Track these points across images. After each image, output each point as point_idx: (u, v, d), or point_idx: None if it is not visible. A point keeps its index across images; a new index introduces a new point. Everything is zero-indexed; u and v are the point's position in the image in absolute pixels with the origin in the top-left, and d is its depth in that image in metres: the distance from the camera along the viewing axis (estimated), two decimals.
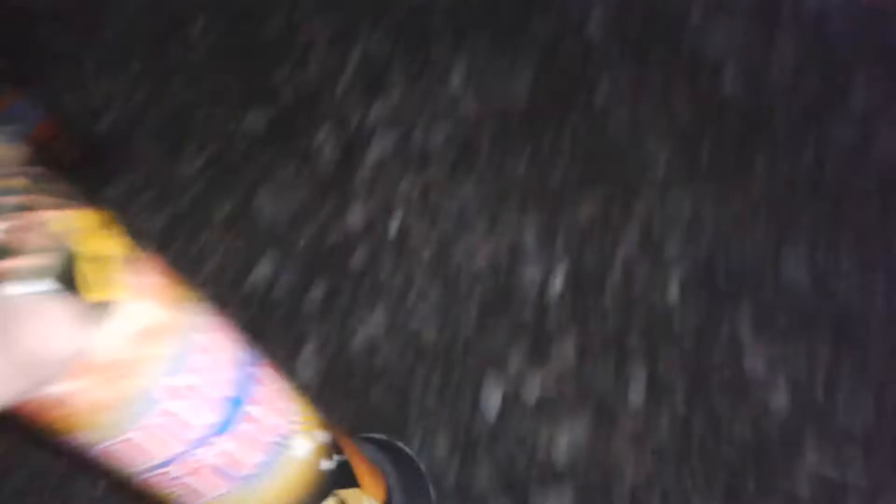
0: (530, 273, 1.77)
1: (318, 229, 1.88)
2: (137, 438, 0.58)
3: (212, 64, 2.20)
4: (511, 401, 1.57)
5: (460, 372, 1.63)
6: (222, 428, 0.59)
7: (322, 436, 0.80)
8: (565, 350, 1.62)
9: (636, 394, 1.54)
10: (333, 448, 0.82)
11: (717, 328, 1.57)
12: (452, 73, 2.03)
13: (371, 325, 1.77)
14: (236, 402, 0.58)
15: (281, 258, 1.86)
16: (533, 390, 1.58)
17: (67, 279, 0.54)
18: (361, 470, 0.92)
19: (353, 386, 1.65)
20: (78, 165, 1.94)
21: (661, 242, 1.71)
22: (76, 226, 0.60)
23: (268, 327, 1.75)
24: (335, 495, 0.79)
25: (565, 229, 1.77)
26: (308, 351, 1.75)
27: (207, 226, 1.91)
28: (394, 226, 1.88)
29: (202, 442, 0.58)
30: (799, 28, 1.91)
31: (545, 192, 1.82)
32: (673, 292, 1.68)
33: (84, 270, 0.57)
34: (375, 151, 1.95)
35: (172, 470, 0.60)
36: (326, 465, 0.77)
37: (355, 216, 1.88)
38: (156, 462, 0.59)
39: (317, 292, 1.82)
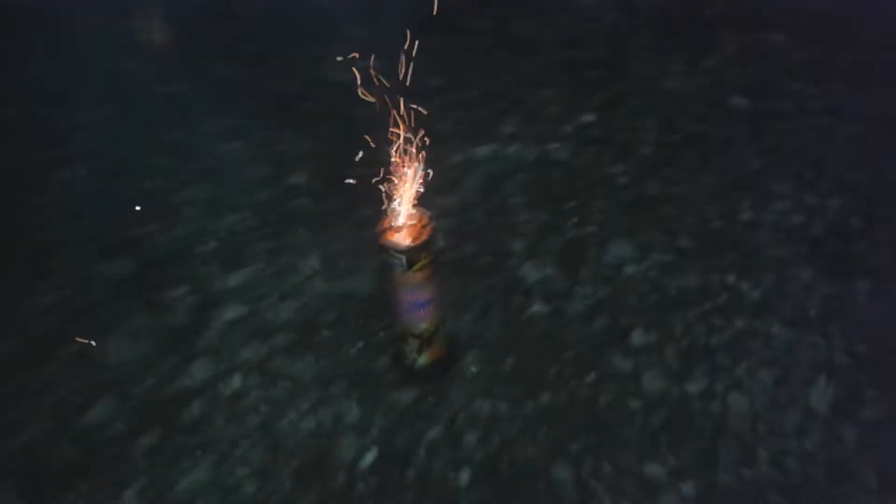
0: (347, 444, 1.97)
1: (159, 380, 2.08)
2: None
3: (86, 208, 2.47)
4: None
5: None
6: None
7: None
8: None
9: None
10: None
11: None
12: (309, 258, 2.33)
13: (193, 476, 1.93)
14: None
15: (119, 402, 2.04)
16: None
17: None
18: None
19: None
20: None
21: (461, 434, 1.94)
22: None
23: (95, 464, 1.90)
24: None
25: (384, 411, 2.00)
26: (130, 493, 1.89)
27: (55, 359, 2.10)
28: (232, 386, 2.08)
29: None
30: (597, 275, 2.27)
31: (371, 375, 2.07)
32: (464, 477, 1.89)
33: None
34: (226, 316, 2.20)
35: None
36: None
37: (197, 373, 2.09)
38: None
39: (148, 439, 1.99)
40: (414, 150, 1.71)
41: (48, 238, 2.31)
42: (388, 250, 1.78)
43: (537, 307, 2.19)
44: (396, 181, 1.73)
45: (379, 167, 1.75)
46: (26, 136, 2.58)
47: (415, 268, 1.80)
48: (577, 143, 2.62)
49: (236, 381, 2.06)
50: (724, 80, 2.75)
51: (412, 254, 1.77)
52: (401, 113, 1.71)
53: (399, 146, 1.70)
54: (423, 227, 1.79)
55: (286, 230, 2.33)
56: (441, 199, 2.39)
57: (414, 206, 1.78)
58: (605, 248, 2.31)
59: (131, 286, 2.23)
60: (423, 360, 2.04)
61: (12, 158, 2.51)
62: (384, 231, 1.80)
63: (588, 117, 2.70)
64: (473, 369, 2.04)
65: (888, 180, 2.46)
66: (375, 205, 1.77)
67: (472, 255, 2.29)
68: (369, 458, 1.91)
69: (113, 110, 2.73)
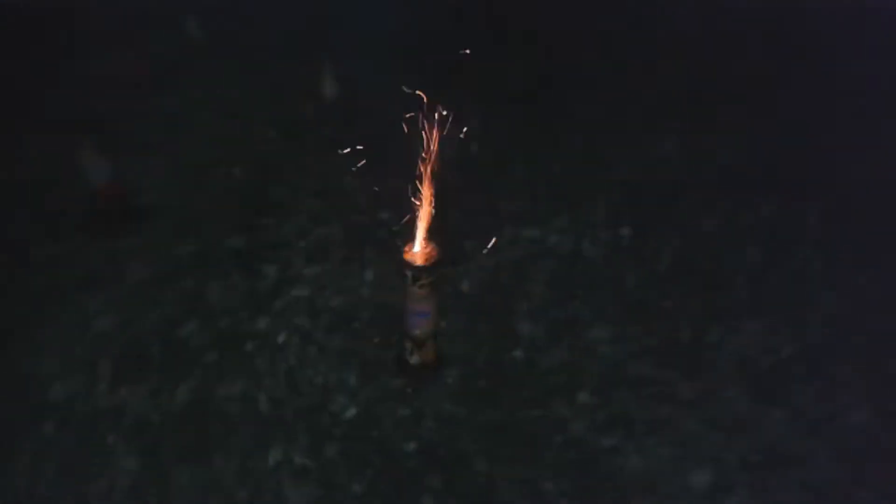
0: (339, 400, 2.74)
1: (233, 321, 2.95)
2: None
3: (229, 199, 3.48)
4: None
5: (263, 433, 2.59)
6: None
7: None
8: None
9: None
10: None
11: None
12: (367, 270, 3.16)
13: (230, 391, 2.77)
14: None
15: (201, 327, 2.93)
16: None
17: None
18: None
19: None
20: (119, 214, 3.23)
21: (421, 419, 2.68)
22: None
23: (168, 363, 2.80)
24: None
25: (374, 387, 2.79)
26: (184, 387, 2.75)
27: (173, 291, 3.04)
28: (278, 340, 2.93)
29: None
30: (575, 346, 2.94)
31: (375, 361, 2.85)
32: (412, 447, 2.60)
33: None
34: (293, 293, 3.06)
35: None
36: None
37: (261, 323, 2.95)
38: None
39: (209, 356, 2.86)
40: (427, 201, 2.47)
41: (197, 216, 3.31)
42: (404, 267, 2.55)
43: (518, 353, 2.87)
44: (418, 222, 2.50)
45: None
46: (207, 141, 3.64)
47: (417, 283, 2.56)
48: (607, 247, 3.31)
49: (282, 338, 2.88)
50: (746, 235, 3.36)
51: (416, 272, 2.53)
52: (430, 175, 2.48)
53: (420, 198, 2.47)
54: (431, 255, 2.55)
55: (359, 248, 3.18)
56: (481, 258, 3.16)
57: (427, 240, 2.53)
58: (590, 328, 2.95)
59: (241, 257, 3.16)
60: (415, 359, 2.76)
61: (186, 156, 3.58)
62: (405, 253, 2.57)
63: (625, 230, 3.39)
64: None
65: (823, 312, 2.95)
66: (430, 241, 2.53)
67: (483, 302, 3.02)
68: (349, 414, 2.65)
69: (277, 134, 3.77)
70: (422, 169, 2.41)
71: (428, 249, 2.51)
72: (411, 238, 2.50)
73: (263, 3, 5.49)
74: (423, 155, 2.42)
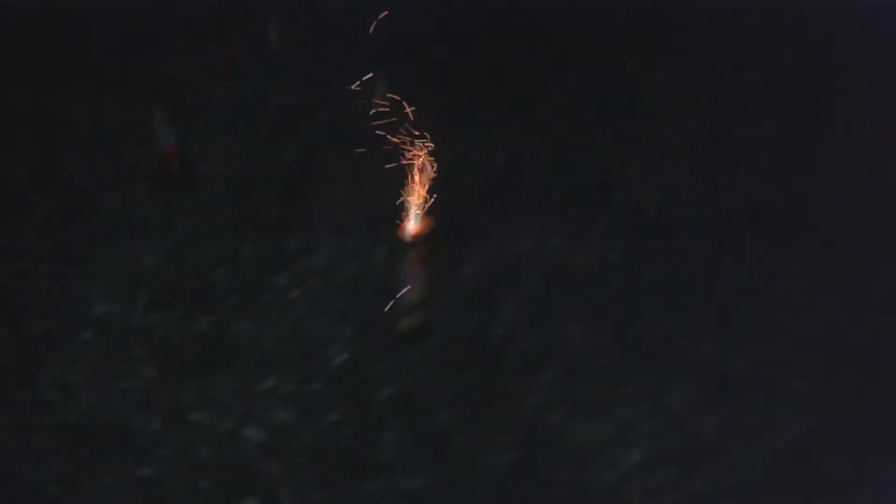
0: (335, 347, 3.18)
1: (258, 275, 3.45)
2: None
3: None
4: None
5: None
6: None
7: None
8: None
9: None
10: None
11: None
12: (380, 245, 3.61)
13: (245, 324, 3.24)
14: None
15: (232, 274, 3.43)
16: None
17: None
18: None
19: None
20: (177, 175, 3.76)
21: (399, 374, 3.08)
22: None
23: (198, 298, 3.30)
24: None
25: (365, 340, 3.19)
26: (206, 319, 3.24)
27: (215, 246, 3.56)
28: (295, 293, 3.39)
29: None
30: (547, 343, 3.31)
31: (373, 319, 3.28)
32: (385, 393, 3.01)
33: None
34: (320, 260, 3.54)
35: None
36: None
37: (281, 279, 3.43)
38: None
39: (234, 298, 3.35)
40: (420, 186, 2.90)
41: (245, 186, 3.87)
42: (399, 236, 2.96)
43: (497, 332, 3.26)
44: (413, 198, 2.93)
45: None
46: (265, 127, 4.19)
47: (410, 252, 2.98)
48: (600, 258, 3.68)
49: (296, 293, 3.35)
50: (734, 264, 3.68)
51: (408, 241, 2.94)
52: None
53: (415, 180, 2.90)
54: (424, 230, 2.96)
55: (379, 229, 3.62)
56: (481, 250, 3.58)
57: (424, 218, 2.95)
58: (566, 322, 3.32)
59: (274, 223, 3.70)
60: (402, 322, 3.18)
61: (245, 136, 4.14)
62: (403, 225, 2.99)
63: (619, 245, 3.76)
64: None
65: None
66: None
67: (476, 287, 3.42)
68: (339, 359, 3.07)
69: (326, 128, 4.31)
70: (417, 161, 2.83)
71: (423, 225, 2.92)
72: (410, 215, 2.92)
73: (338, 17, 6.12)
74: (418, 151, 2.85)
